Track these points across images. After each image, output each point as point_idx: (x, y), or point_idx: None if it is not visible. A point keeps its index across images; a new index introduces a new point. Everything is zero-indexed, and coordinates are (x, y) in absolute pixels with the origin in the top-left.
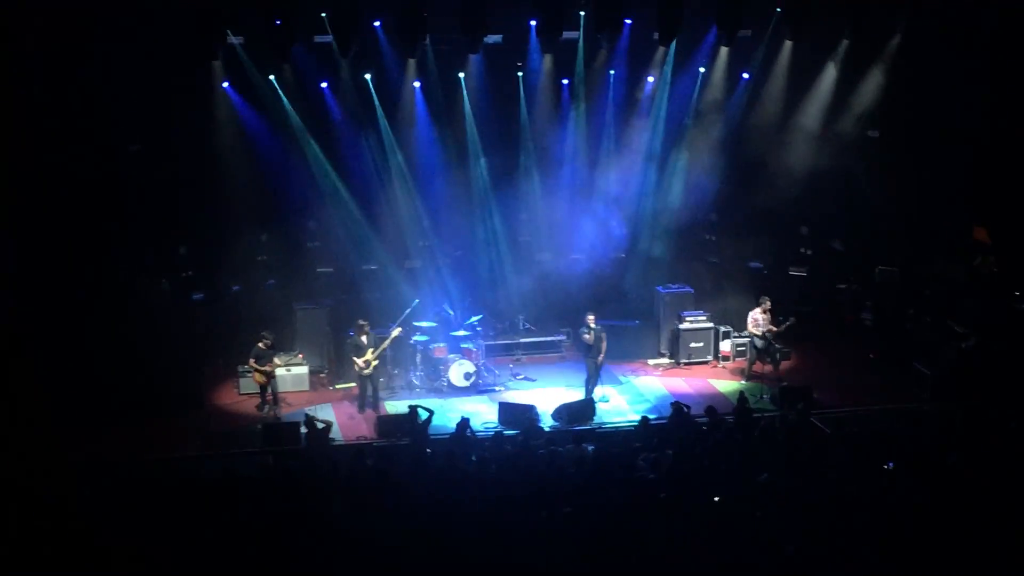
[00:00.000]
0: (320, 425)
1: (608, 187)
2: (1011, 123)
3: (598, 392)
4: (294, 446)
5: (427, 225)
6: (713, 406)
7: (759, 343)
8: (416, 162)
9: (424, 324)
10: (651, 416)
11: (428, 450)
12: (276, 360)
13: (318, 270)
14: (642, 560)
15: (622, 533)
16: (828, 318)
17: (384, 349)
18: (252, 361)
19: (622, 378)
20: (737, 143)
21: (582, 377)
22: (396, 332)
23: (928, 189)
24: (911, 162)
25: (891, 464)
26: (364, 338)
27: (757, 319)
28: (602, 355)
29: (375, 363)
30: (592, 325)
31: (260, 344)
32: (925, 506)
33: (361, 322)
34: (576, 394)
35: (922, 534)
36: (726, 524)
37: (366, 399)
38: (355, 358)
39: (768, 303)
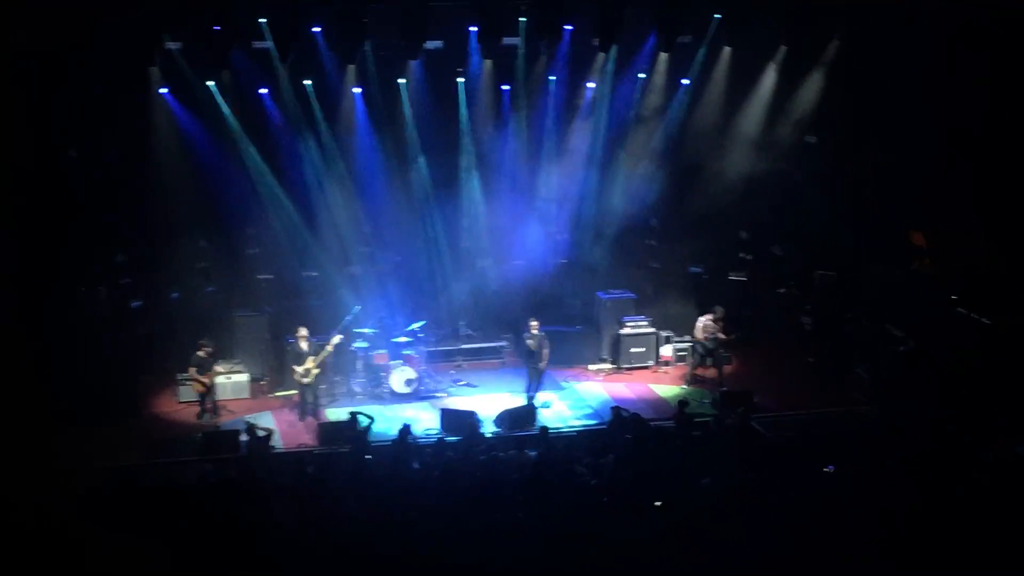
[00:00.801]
0: (261, 433)
1: (549, 192)
2: (951, 126)
3: (539, 398)
4: (234, 454)
5: (368, 231)
6: (638, 414)
7: (701, 349)
8: (357, 168)
9: (365, 331)
10: (592, 422)
11: (369, 457)
12: (216, 368)
13: (258, 276)
14: (585, 565)
15: (565, 538)
16: (768, 322)
17: (325, 357)
18: (192, 370)
19: (563, 383)
20: (677, 148)
21: (523, 383)
22: (336, 339)
23: (866, 193)
24: (849, 167)
25: (831, 468)
26: (304, 345)
27: (707, 325)
28: (544, 361)
29: (316, 371)
30: (535, 331)
31: (200, 352)
32: (864, 509)
33: (301, 329)
34: (518, 400)
35: (862, 537)
36: (669, 528)
37: (307, 407)
38: (294, 366)
39: (721, 312)
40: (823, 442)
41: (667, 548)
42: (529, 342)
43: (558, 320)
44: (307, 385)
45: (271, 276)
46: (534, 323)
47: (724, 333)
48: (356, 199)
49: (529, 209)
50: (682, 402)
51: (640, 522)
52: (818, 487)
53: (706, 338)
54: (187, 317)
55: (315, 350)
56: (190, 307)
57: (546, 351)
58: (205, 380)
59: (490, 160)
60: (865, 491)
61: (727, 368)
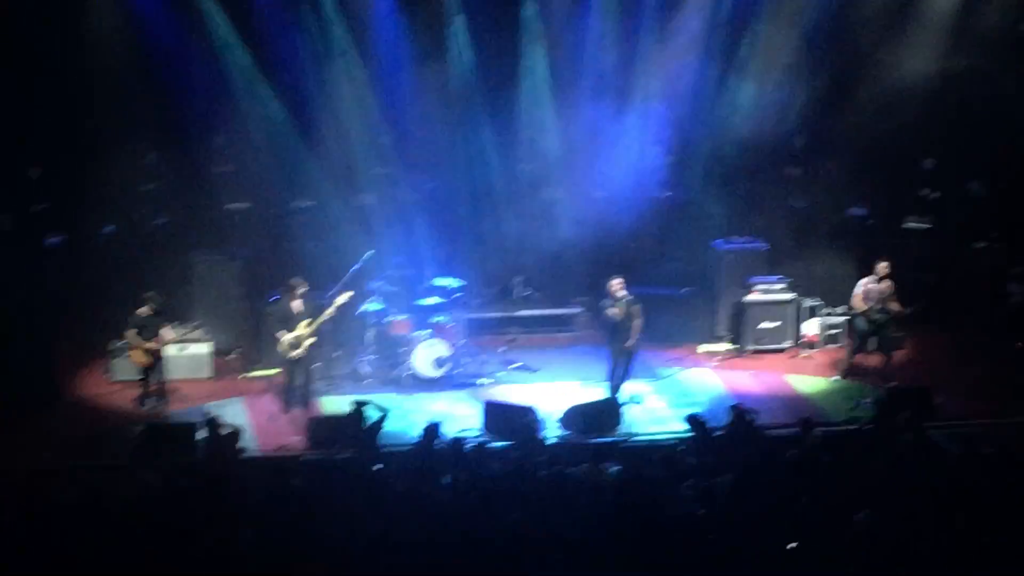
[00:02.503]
0: (226, 430)
1: (648, 96)
2: None
3: (626, 390)
4: (188, 458)
5: (387, 144)
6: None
7: (864, 325)
8: (373, 52)
9: (379, 287)
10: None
11: (379, 467)
12: (165, 333)
13: (228, 206)
14: None
15: None
16: (959, 290)
17: (324, 321)
18: (131, 333)
19: (662, 371)
20: (833, 38)
21: (604, 368)
22: (344, 297)
23: None
24: None
25: None
26: (296, 304)
27: (869, 291)
28: (634, 336)
29: (310, 341)
30: (619, 294)
31: (143, 310)
32: None
33: (293, 281)
34: (595, 392)
35: None
36: None
37: (295, 392)
38: (281, 333)
39: (887, 268)
40: None
41: None
42: (612, 310)
43: (656, 280)
44: (297, 361)
45: (247, 206)
46: (617, 282)
47: (897, 303)
48: (371, 96)
49: (618, 120)
50: (738, 409)
51: (765, 569)
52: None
53: (870, 309)
54: (126, 260)
55: (311, 312)
56: (130, 246)
57: (637, 322)
58: (150, 348)
59: (564, 46)
60: None
61: (898, 354)
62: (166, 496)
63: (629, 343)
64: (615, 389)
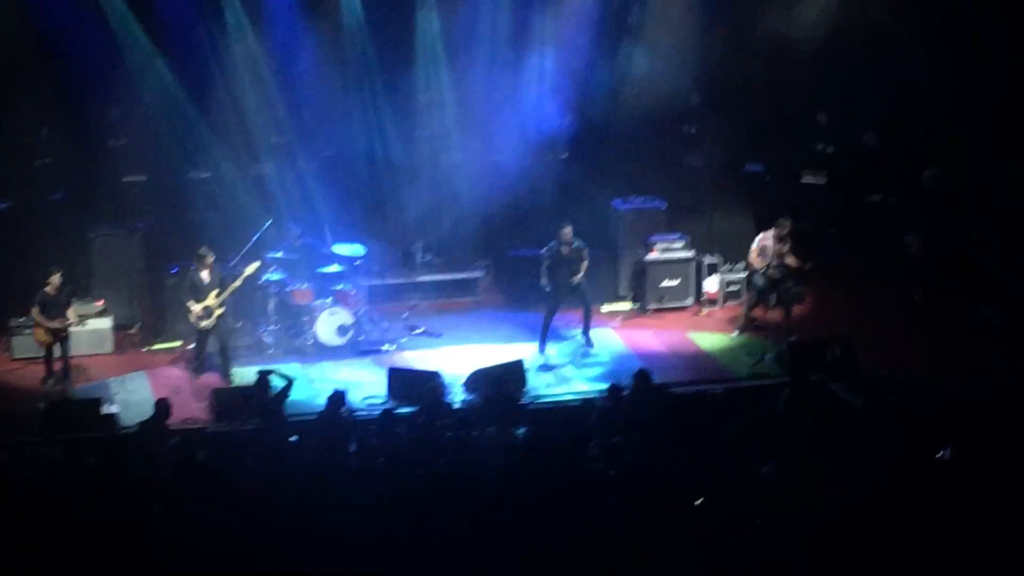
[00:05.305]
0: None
1: (544, 59)
2: None
3: (528, 354)
4: (92, 433)
5: (283, 113)
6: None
7: (761, 282)
8: (266, 21)
9: (279, 256)
10: (605, 386)
11: (294, 438)
12: (72, 311)
13: (125, 179)
14: None
15: (565, 550)
16: (856, 243)
17: (233, 291)
18: (35, 311)
19: (566, 332)
20: None
21: (504, 331)
22: (253, 267)
23: (1002, 57)
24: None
25: (945, 452)
26: (205, 275)
27: (765, 247)
28: (583, 273)
29: (220, 311)
30: (572, 242)
31: (47, 287)
32: (987, 507)
33: (202, 251)
34: (499, 352)
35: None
36: (713, 535)
37: (205, 361)
38: (191, 303)
39: (788, 226)
40: (934, 415)
41: (708, 560)
42: (565, 247)
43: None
44: (206, 332)
45: (144, 178)
46: (568, 231)
47: (794, 258)
48: (265, 67)
49: (514, 83)
50: (641, 374)
51: (672, 526)
52: (927, 478)
53: (767, 266)
54: (22, 236)
55: (220, 282)
56: (26, 222)
57: (585, 263)
58: (54, 327)
59: (458, 11)
60: (991, 483)
61: (798, 308)
62: (71, 475)
63: (577, 277)
64: (544, 338)
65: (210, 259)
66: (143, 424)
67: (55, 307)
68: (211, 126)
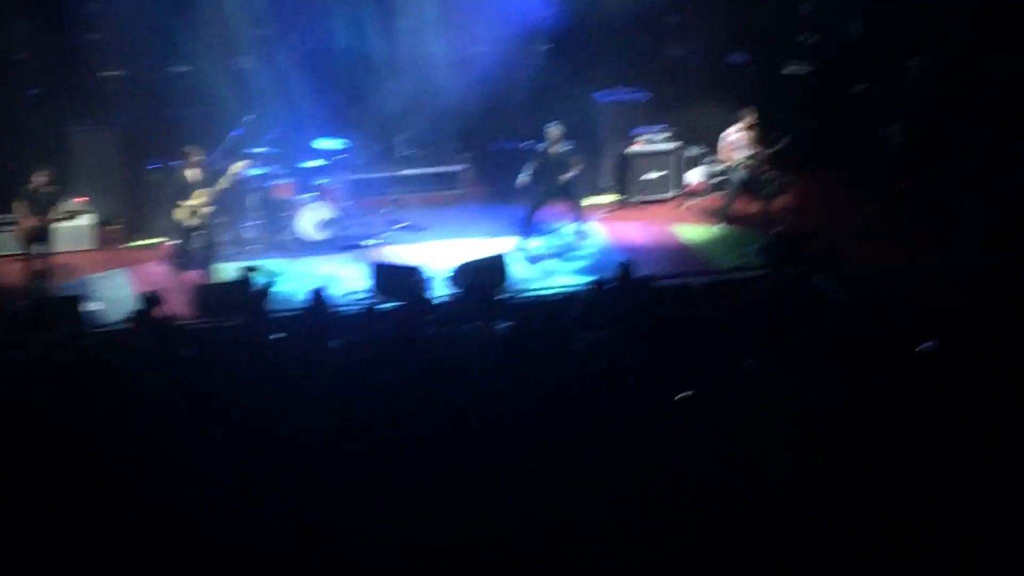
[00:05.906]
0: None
1: None
2: None
3: (510, 247)
4: (73, 330)
5: (262, 5)
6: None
7: (740, 174)
8: None
9: (260, 151)
10: (589, 279)
11: (281, 335)
12: (60, 207)
13: (103, 74)
14: (580, 480)
15: (551, 443)
16: (839, 134)
17: (221, 190)
18: (20, 206)
19: (550, 226)
20: None
21: (487, 224)
22: (241, 164)
23: None
24: None
25: (929, 344)
26: (191, 173)
27: (735, 140)
28: (575, 169)
29: (207, 209)
30: (563, 143)
31: (36, 183)
32: (973, 403)
33: (188, 149)
34: (483, 246)
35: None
36: (694, 428)
37: (191, 259)
38: (178, 202)
39: (752, 118)
40: (917, 308)
41: (692, 453)
42: (553, 148)
43: (536, 134)
44: (191, 230)
45: (122, 73)
46: (559, 131)
47: (761, 146)
48: None
49: None
50: (624, 267)
51: (656, 419)
52: (910, 372)
53: (737, 159)
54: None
55: (208, 180)
56: (4, 119)
57: (578, 166)
58: (35, 226)
59: None
60: (975, 377)
61: (780, 200)
62: (50, 371)
63: (567, 175)
64: (527, 232)
65: (195, 157)
66: (129, 317)
67: (42, 203)
68: (189, 20)
